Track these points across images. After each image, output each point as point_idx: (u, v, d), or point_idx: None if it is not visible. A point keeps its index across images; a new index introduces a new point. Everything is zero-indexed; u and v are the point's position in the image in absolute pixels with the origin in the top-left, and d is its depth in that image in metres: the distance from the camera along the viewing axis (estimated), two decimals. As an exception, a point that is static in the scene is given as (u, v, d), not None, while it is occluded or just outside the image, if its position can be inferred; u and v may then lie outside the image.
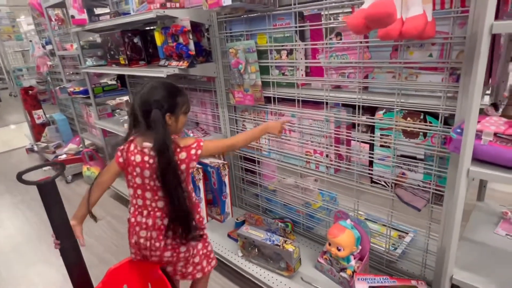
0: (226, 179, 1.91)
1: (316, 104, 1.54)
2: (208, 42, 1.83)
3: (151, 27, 2.18)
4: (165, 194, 1.09)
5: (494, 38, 1.14)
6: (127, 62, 1.99)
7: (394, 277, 1.26)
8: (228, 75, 1.78)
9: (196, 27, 1.75)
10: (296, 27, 1.43)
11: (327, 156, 1.54)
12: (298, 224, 1.79)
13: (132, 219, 1.16)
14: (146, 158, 1.08)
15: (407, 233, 1.65)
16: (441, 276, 1.19)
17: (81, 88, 2.76)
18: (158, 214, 1.12)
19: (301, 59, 1.50)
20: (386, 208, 1.39)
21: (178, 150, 1.08)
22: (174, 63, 1.68)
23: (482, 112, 1.05)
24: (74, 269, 1.17)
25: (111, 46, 2.06)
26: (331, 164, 1.53)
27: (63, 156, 3.37)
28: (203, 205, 1.91)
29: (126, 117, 2.59)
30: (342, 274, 1.39)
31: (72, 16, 2.15)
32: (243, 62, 1.62)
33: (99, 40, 2.76)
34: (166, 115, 1.06)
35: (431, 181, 1.22)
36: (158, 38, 1.75)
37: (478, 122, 0.93)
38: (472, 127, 0.87)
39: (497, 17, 0.84)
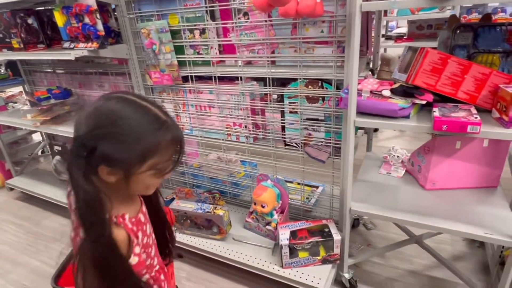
0: (151, 161, 1.92)
1: (231, 80, 1.67)
2: (116, 23, 1.78)
3: (47, 7, 2.00)
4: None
5: (368, 18, 1.43)
6: (22, 46, 1.80)
7: (309, 220, 1.51)
8: (142, 56, 1.77)
9: (102, 7, 1.68)
10: (206, 7, 1.51)
11: (245, 127, 1.70)
12: (225, 193, 1.93)
13: None
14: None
15: (318, 187, 1.94)
16: (343, 212, 1.47)
17: (-40, 80, 2.37)
18: None
19: (214, 38, 1.60)
20: (299, 165, 1.62)
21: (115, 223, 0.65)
22: (81, 44, 1.61)
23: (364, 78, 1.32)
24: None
25: (-1, 28, 1.83)
26: (250, 134, 1.70)
27: None
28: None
29: (25, 107, 2.33)
30: (268, 227, 1.59)
31: None
32: (157, 43, 1.64)
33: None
34: (99, 167, 0.61)
35: (331, 137, 1.48)
36: (59, 19, 1.64)
37: (359, 84, 1.19)
38: (354, 86, 1.11)
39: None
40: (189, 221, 1.65)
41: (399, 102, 1.08)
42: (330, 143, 1.49)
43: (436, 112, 1.04)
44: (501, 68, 1.20)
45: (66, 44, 1.69)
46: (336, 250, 1.41)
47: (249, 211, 1.70)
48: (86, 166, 0.59)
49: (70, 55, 1.53)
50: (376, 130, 3.29)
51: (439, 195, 1.34)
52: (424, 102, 1.08)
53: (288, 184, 1.94)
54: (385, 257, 1.65)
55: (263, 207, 1.56)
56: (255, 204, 1.60)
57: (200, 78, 1.73)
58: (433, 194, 1.35)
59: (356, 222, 1.90)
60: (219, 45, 1.63)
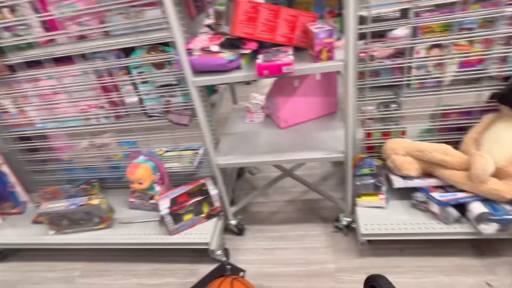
0: (5, 168, 1.69)
1: (72, 60, 1.50)
2: None
3: None
4: None
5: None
6: None
7: (188, 183, 1.55)
8: None
9: None
10: (4, -21, 1.28)
11: (102, 107, 1.58)
12: (105, 180, 1.84)
13: None
14: None
15: (199, 149, 1.98)
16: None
17: None
18: None
19: (30, 14, 1.38)
20: (169, 133, 1.60)
21: None
22: None
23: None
24: None
25: None
26: (109, 113, 1.59)
27: None
28: (-13, 206, 1.66)
29: None
30: (152, 201, 1.59)
31: None
32: (-43, 30, 1.35)
33: None
34: None
35: (188, 99, 1.49)
36: None
37: (190, 42, 1.19)
38: (180, 45, 1.10)
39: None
40: (65, 220, 1.54)
41: (226, 55, 1.12)
42: (188, 105, 1.49)
43: (260, 59, 1.11)
44: (314, 6, 1.32)
45: None
46: (217, 204, 1.49)
47: (130, 191, 1.66)
48: None
49: None
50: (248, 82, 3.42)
51: (292, 130, 1.50)
52: (248, 51, 1.14)
53: (170, 153, 1.95)
54: (268, 195, 1.82)
55: (140, 183, 1.54)
56: (132, 183, 1.56)
57: (37, 64, 1.51)
58: (287, 131, 1.50)
59: (241, 171, 2.02)
60: (43, 22, 1.42)
